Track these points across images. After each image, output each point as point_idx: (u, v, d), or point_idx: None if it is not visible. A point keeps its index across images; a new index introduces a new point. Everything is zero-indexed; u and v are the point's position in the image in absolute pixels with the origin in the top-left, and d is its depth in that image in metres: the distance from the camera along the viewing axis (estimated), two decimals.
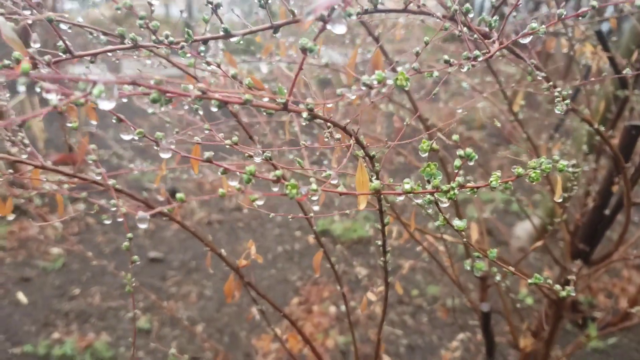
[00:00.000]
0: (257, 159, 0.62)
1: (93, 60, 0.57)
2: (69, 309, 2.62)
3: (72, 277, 2.89)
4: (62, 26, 0.60)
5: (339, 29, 0.40)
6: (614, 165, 1.26)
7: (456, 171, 0.52)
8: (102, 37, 0.63)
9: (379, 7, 0.67)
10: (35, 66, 0.50)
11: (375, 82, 0.46)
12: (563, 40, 1.49)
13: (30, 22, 0.52)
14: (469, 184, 0.57)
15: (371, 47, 1.76)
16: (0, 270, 2.90)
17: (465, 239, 0.67)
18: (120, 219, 0.81)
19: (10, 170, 0.91)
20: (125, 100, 0.44)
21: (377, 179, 0.71)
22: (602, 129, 1.09)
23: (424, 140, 0.54)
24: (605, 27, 1.55)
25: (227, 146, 0.60)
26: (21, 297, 2.68)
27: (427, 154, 0.55)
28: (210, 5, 0.59)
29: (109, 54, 0.59)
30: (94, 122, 0.62)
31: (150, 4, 0.65)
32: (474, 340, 2.39)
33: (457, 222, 0.59)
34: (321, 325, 2.60)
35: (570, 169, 0.81)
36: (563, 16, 0.61)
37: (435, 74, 0.53)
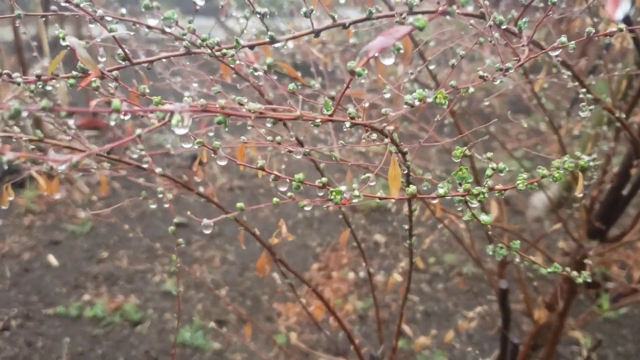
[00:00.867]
0: (298, 156, 0.66)
1: (150, 66, 0.61)
2: (97, 271, 2.71)
3: (99, 241, 2.98)
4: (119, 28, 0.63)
5: (388, 61, 0.44)
6: (633, 148, 1.28)
7: (486, 180, 0.56)
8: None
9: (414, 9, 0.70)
10: (102, 77, 0.54)
11: (416, 102, 0.50)
12: (587, 19, 1.49)
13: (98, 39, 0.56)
14: (497, 187, 0.61)
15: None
16: (30, 234, 3.00)
17: (490, 232, 0.71)
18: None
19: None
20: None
21: (409, 173, 0.75)
22: (622, 116, 1.11)
23: (458, 147, 0.58)
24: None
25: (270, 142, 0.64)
26: (52, 259, 2.78)
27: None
28: (258, 15, 0.62)
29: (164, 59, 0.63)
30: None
31: (195, 4, 0.68)
32: (490, 312, 2.45)
33: (483, 217, 0.63)
34: (340, 290, 2.68)
35: (591, 163, 0.85)
36: None
37: (471, 90, 0.56)
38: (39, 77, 0.52)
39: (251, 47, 0.65)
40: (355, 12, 2.83)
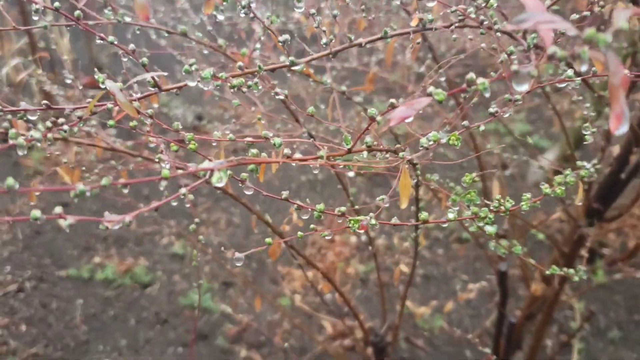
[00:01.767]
0: (316, 165, 0.70)
1: (178, 92, 0.65)
2: (107, 234, 2.78)
3: (108, 203, 3.03)
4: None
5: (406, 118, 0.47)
6: (633, 136, 1.32)
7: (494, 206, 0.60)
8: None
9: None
10: (138, 113, 0.58)
11: (432, 143, 0.54)
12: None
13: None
14: (502, 208, 0.65)
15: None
16: (40, 195, 3.05)
17: (493, 235, 0.76)
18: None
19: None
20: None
21: (418, 183, 0.79)
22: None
23: (467, 174, 0.62)
24: None
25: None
26: (62, 222, 2.83)
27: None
28: (281, 43, 0.65)
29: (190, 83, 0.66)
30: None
31: (215, 17, 0.71)
32: (488, 289, 2.53)
33: (488, 229, 0.68)
34: (342, 254, 2.75)
35: (592, 169, 0.89)
36: None
37: (482, 127, 0.60)
38: (80, 117, 0.56)
39: (272, 70, 0.68)
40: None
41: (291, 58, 0.67)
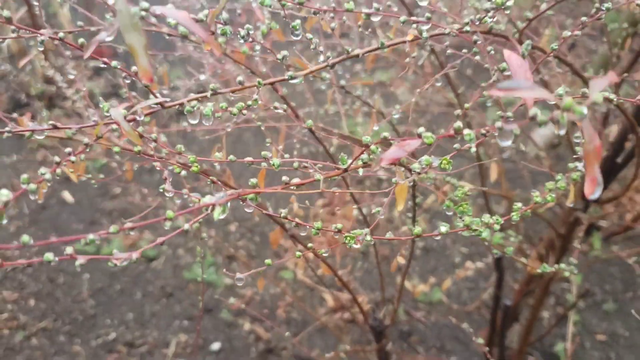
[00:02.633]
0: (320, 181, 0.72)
1: (180, 109, 0.67)
2: (112, 207, 2.82)
3: (112, 177, 3.06)
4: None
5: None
6: (629, 124, 1.33)
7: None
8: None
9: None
10: (141, 136, 0.60)
11: (424, 166, 0.56)
12: None
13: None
14: (494, 219, 0.68)
15: None
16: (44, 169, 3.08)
17: (488, 240, 0.78)
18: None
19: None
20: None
21: (414, 184, 0.82)
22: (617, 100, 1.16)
23: (460, 186, 0.64)
24: None
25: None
26: (67, 196, 2.88)
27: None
28: (279, 60, 0.66)
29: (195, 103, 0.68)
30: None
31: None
32: (487, 264, 2.57)
33: (484, 235, 0.71)
34: (344, 227, 2.79)
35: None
36: None
37: (473, 149, 0.62)
38: (87, 145, 0.58)
39: (271, 84, 0.70)
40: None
41: (290, 73, 0.68)
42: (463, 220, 0.66)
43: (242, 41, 0.61)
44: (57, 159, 0.56)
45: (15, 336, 2.12)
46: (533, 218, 2.67)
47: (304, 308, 2.13)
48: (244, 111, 0.61)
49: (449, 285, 1.95)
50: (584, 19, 0.73)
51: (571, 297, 2.33)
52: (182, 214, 0.46)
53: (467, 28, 0.67)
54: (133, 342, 2.16)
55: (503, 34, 0.82)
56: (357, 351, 1.65)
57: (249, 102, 0.63)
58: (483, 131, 0.64)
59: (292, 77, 0.68)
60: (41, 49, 0.59)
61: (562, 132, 0.35)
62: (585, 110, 0.33)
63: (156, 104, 0.64)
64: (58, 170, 0.55)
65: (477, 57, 0.73)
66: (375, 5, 0.71)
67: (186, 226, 0.45)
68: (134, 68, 0.59)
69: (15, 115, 0.76)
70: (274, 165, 0.59)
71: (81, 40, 0.62)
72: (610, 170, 1.48)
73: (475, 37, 0.67)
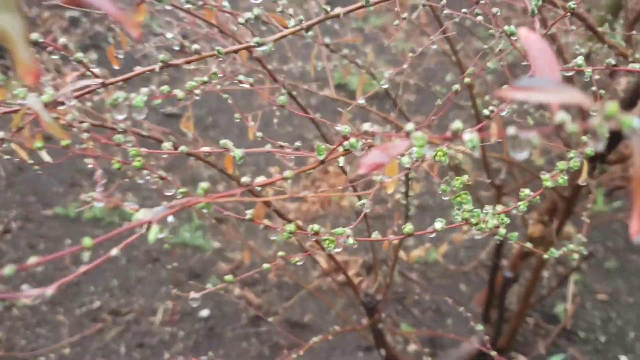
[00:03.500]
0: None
1: (123, 85, 0.57)
2: (93, 169, 2.72)
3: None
4: None
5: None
6: None
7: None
8: None
9: None
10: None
11: (415, 158, 0.47)
12: None
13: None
14: (503, 209, 0.59)
15: None
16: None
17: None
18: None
19: None
20: None
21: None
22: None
23: (457, 178, 0.56)
24: None
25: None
26: (45, 156, 2.77)
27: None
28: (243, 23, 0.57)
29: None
30: None
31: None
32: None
33: (475, 234, 0.62)
34: (336, 185, 2.71)
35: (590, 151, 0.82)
36: None
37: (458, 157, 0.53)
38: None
39: (235, 52, 0.60)
40: None
41: (256, 39, 0.58)
42: (462, 212, 0.57)
43: None
44: None
45: None
46: (536, 181, 2.59)
47: (291, 276, 2.07)
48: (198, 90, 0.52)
49: (445, 249, 1.88)
50: None
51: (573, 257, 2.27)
52: (103, 241, 0.38)
53: None
54: (118, 310, 2.11)
55: None
56: (349, 330, 1.59)
57: (205, 79, 0.53)
58: (487, 112, 0.55)
59: (259, 44, 0.58)
60: None
61: (600, 147, 0.26)
62: (636, 123, 0.23)
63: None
64: None
65: (480, 18, 0.62)
66: None
67: (114, 251, 0.37)
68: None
69: None
70: (235, 157, 0.49)
71: None
72: (619, 131, 1.39)
73: None
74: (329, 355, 1.99)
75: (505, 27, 0.60)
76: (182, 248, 2.34)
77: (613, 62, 0.66)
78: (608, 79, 1.53)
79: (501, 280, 1.72)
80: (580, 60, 0.54)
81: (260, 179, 0.49)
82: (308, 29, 0.61)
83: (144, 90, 0.51)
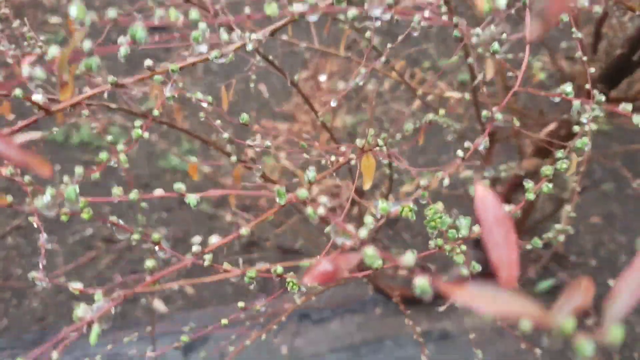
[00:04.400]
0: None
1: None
2: (76, 85, 2.66)
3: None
4: None
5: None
6: None
7: None
8: None
9: None
10: None
11: (380, 214, 0.45)
12: None
13: None
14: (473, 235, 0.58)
15: None
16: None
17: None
18: None
19: None
20: None
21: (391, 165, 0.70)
22: None
23: (431, 208, 0.54)
24: None
25: None
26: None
27: None
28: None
29: None
30: None
31: None
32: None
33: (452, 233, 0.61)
34: (329, 102, 2.66)
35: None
36: None
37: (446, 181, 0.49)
38: None
39: (192, 64, 0.56)
40: None
41: (215, 53, 0.54)
42: (435, 239, 0.56)
43: None
44: None
45: None
46: (532, 99, 2.54)
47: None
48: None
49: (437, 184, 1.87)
50: None
51: (569, 179, 2.27)
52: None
53: None
54: (111, 238, 2.14)
55: None
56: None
57: (156, 112, 0.49)
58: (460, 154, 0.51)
59: (217, 57, 0.54)
60: None
61: None
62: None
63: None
64: None
65: None
66: None
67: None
68: None
69: None
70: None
71: None
72: (622, 68, 1.34)
73: None
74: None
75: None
76: (172, 173, 2.34)
77: None
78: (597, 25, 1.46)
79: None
80: (568, 89, 0.50)
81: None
82: (273, 33, 0.56)
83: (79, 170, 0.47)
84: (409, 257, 0.56)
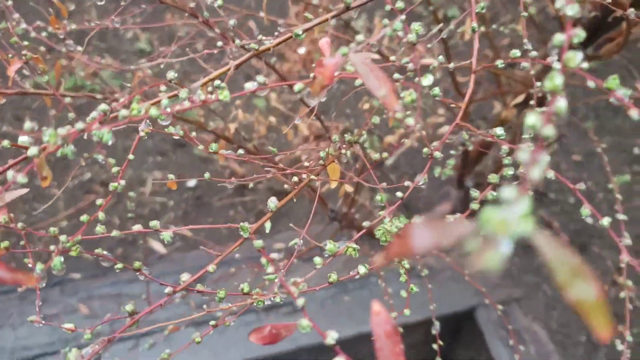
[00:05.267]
0: None
1: None
2: (68, 31, 2.69)
3: None
4: None
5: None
6: None
7: None
8: None
9: None
10: None
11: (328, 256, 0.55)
12: None
13: None
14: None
15: None
16: None
17: None
18: None
19: None
20: None
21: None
22: None
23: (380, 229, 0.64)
24: None
25: None
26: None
27: None
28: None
29: None
30: None
31: None
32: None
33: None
34: (319, 41, 2.69)
35: None
36: None
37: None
38: None
39: (154, 104, 0.64)
40: None
41: (184, 91, 0.63)
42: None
43: None
44: None
45: None
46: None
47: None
48: None
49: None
50: None
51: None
52: None
53: None
54: (109, 182, 2.25)
55: None
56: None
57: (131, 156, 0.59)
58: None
59: (190, 92, 0.63)
60: None
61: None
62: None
63: None
64: None
65: None
66: None
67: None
68: None
69: None
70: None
71: None
72: (598, 29, 1.41)
73: None
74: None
75: None
76: None
77: None
78: None
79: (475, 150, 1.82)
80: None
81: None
82: (237, 67, 0.65)
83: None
84: (362, 269, 0.67)
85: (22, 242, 0.66)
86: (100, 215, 0.65)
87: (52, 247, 0.53)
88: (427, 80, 0.58)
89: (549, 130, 0.26)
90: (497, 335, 1.89)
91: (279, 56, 2.78)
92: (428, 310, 1.07)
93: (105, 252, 0.62)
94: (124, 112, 0.45)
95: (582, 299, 0.21)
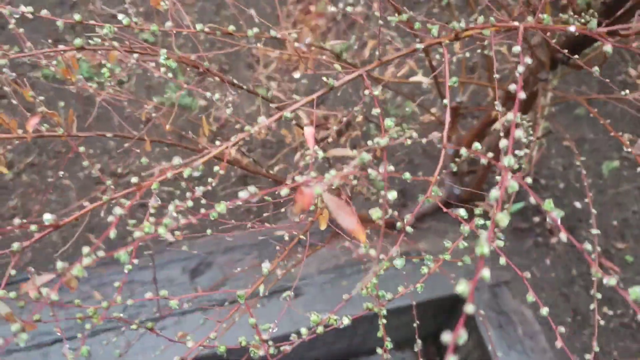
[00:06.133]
0: None
1: None
2: (70, 17, 2.79)
3: None
4: None
5: None
6: None
7: None
8: None
9: None
10: None
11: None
12: None
13: None
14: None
15: None
16: None
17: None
18: None
19: None
20: None
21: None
22: None
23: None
24: None
25: None
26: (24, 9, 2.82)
27: None
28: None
29: None
30: None
31: None
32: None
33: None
34: (318, 27, 2.79)
35: None
36: None
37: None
38: None
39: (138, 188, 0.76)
40: None
41: (174, 164, 0.75)
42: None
43: None
44: None
45: (6, 174, 2.35)
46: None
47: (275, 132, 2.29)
48: None
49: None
50: None
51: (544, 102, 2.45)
52: None
53: None
54: (119, 172, 2.39)
55: None
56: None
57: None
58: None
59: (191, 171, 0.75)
60: None
61: None
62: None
63: None
64: None
65: None
66: None
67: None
68: None
69: None
70: None
71: None
72: (585, 37, 1.50)
73: None
74: None
75: None
76: (170, 107, 2.53)
77: None
78: None
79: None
80: None
81: None
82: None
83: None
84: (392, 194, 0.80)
85: None
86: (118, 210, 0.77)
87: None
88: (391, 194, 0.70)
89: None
90: (486, 317, 2.04)
91: (281, 45, 2.87)
92: (419, 295, 1.21)
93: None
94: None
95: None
